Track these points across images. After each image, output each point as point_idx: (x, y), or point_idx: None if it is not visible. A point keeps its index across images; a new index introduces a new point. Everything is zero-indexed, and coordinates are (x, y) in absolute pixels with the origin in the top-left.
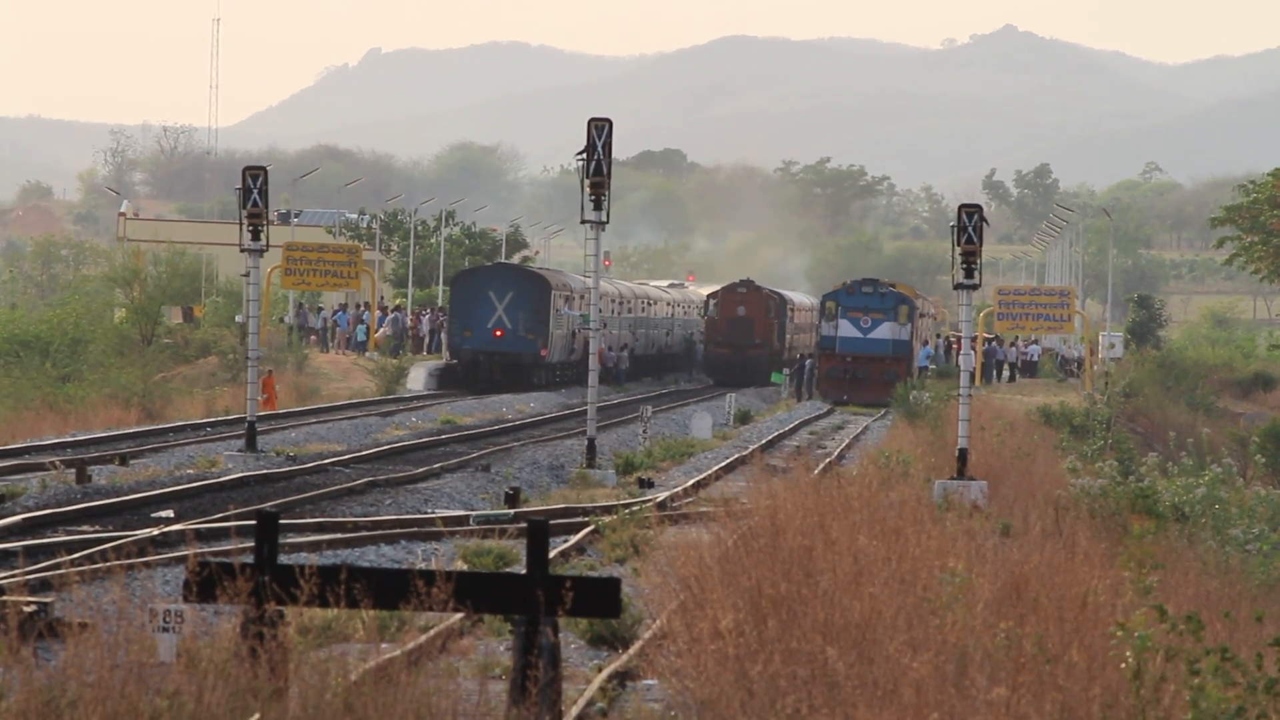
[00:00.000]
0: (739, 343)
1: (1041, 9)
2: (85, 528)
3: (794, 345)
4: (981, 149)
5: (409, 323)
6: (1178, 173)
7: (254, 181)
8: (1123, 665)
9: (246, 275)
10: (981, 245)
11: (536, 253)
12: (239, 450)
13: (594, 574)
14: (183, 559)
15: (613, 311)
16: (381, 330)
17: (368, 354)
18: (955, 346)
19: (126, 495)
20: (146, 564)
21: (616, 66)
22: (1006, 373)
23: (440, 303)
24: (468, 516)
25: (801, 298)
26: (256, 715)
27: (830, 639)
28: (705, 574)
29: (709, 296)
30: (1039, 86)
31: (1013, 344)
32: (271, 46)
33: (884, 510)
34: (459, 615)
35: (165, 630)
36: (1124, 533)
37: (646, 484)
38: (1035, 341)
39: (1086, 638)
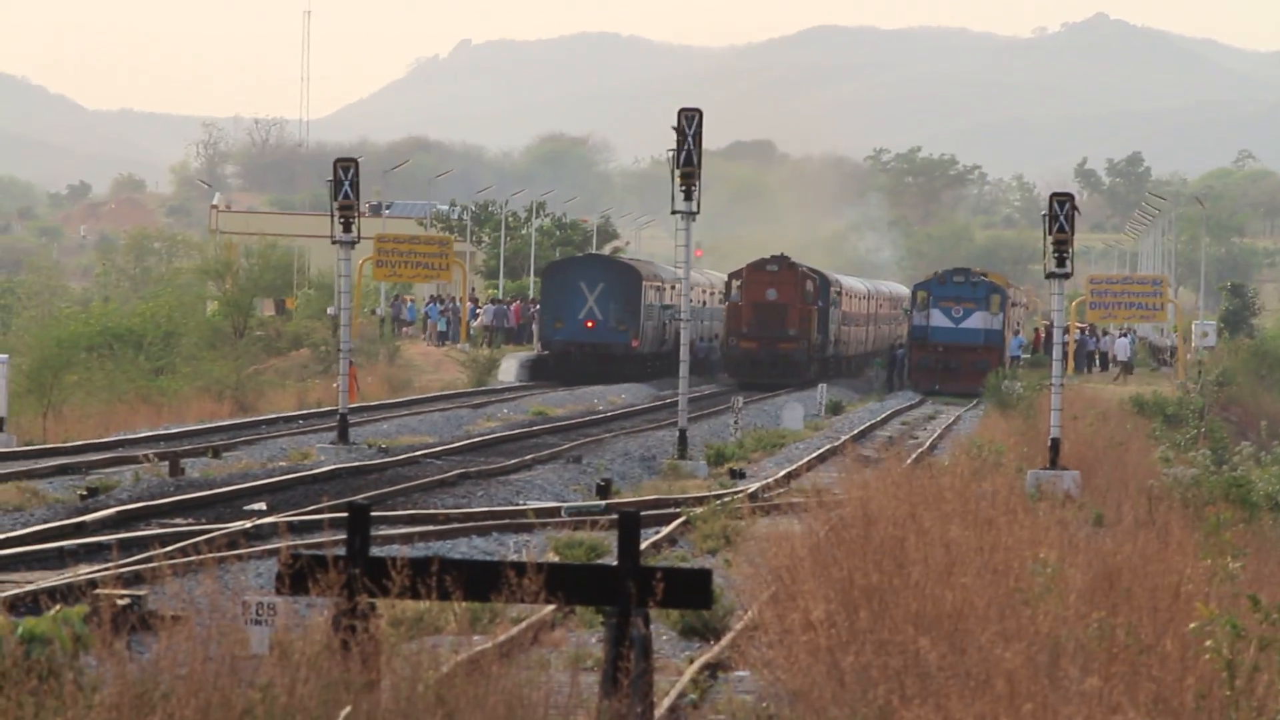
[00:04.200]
0: (769, 335)
1: None
2: (178, 520)
3: (842, 340)
4: (1073, 137)
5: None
6: (1271, 161)
7: (345, 174)
8: (1212, 655)
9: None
10: (1073, 234)
11: (627, 244)
12: (331, 442)
13: (685, 565)
14: (275, 552)
15: (703, 302)
16: (479, 320)
17: (459, 346)
18: (1042, 335)
19: (219, 488)
20: (238, 557)
21: (706, 57)
22: (1098, 364)
23: (531, 294)
24: (559, 508)
25: (855, 282)
26: (348, 708)
27: (922, 630)
28: (797, 565)
29: (731, 277)
30: (1131, 75)
31: (1105, 333)
32: (362, 39)
33: (976, 500)
34: (550, 607)
35: (258, 623)
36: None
37: (738, 475)
38: (1125, 333)
39: (1180, 628)
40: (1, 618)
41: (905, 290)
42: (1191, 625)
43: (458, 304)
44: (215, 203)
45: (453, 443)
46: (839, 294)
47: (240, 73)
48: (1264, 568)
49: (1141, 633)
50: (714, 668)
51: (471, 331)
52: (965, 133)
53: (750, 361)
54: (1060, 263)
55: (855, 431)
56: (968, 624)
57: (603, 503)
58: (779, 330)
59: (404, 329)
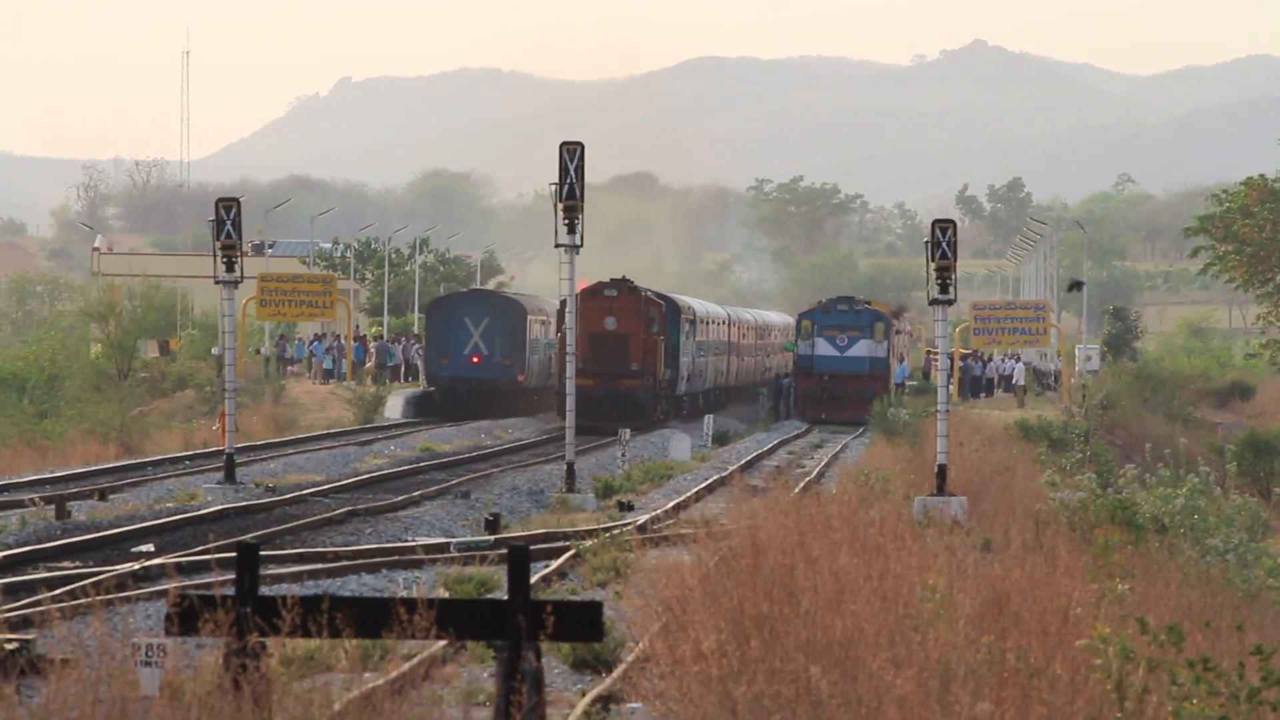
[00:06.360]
0: (607, 370)
1: (1010, 23)
2: (65, 564)
3: (697, 373)
4: (954, 164)
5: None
6: (1150, 184)
7: (227, 213)
8: (1101, 676)
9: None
10: (956, 260)
11: (512, 278)
12: (218, 483)
13: (575, 598)
14: (163, 593)
15: None
16: (372, 360)
17: (345, 384)
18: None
19: (106, 530)
20: (127, 599)
21: (588, 91)
22: (984, 390)
23: (416, 330)
24: (448, 544)
25: (713, 307)
26: None
27: (813, 658)
28: (687, 596)
29: (562, 304)
30: (1010, 101)
31: (990, 359)
32: (241, 78)
33: (864, 528)
34: (442, 643)
35: (147, 664)
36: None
37: (626, 507)
38: (1015, 358)
39: (1069, 651)
40: None
41: (779, 317)
42: (1080, 642)
43: (343, 341)
44: (97, 245)
45: (340, 480)
46: (692, 322)
47: (120, 115)
48: (1151, 590)
49: (1031, 656)
50: (606, 700)
51: (358, 372)
52: (846, 161)
53: (586, 401)
54: (944, 289)
55: (743, 462)
56: (858, 651)
57: (491, 537)
58: (619, 365)
59: (289, 368)
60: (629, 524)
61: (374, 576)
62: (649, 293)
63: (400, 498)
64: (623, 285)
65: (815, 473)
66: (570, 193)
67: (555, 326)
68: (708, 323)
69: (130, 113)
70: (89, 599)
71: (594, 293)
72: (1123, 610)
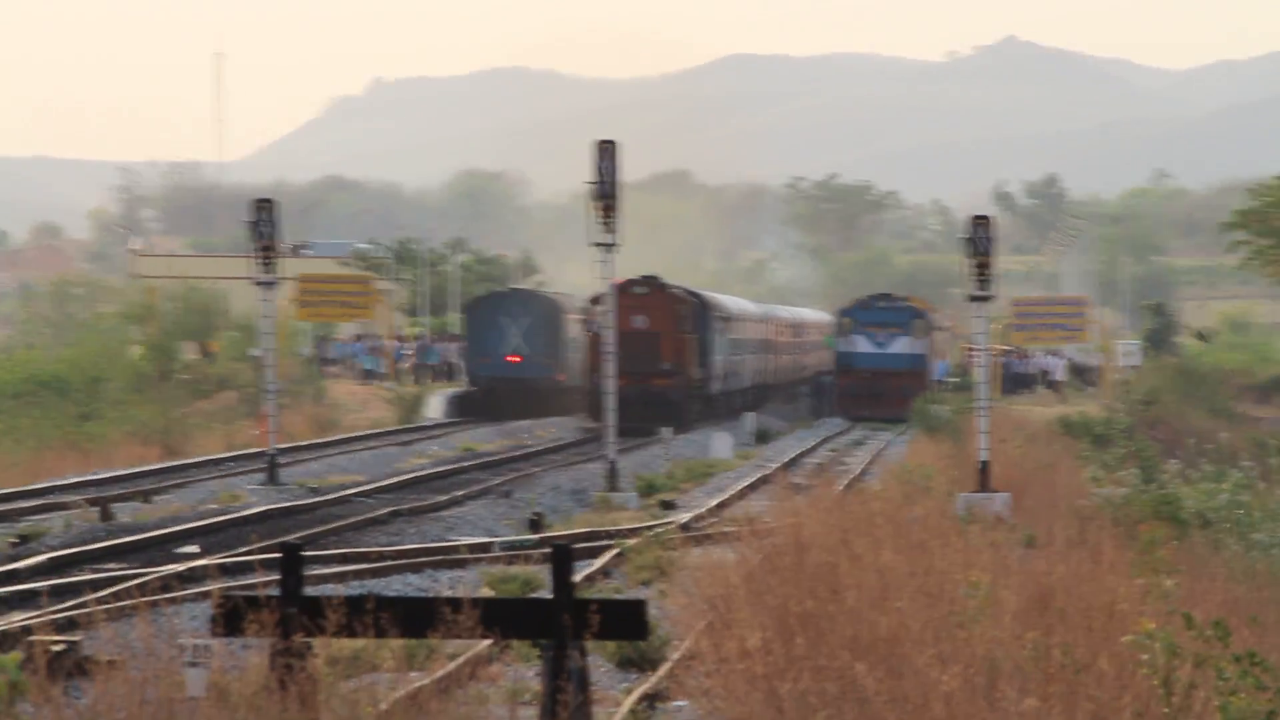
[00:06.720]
0: (638, 370)
1: (1043, 19)
2: (110, 565)
3: (731, 371)
4: (988, 160)
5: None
6: (1187, 178)
7: (262, 214)
8: (1148, 672)
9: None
10: (993, 257)
11: (549, 278)
12: (261, 483)
13: (620, 597)
14: (208, 594)
15: None
16: (411, 360)
17: (385, 384)
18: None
19: (151, 532)
20: (172, 600)
21: (620, 89)
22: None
23: (454, 330)
24: (492, 543)
25: (746, 305)
26: None
27: (858, 655)
28: (731, 593)
29: (591, 302)
30: (1044, 96)
31: (1030, 355)
32: (276, 79)
33: (908, 525)
34: (487, 642)
35: (193, 665)
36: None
37: (669, 505)
38: (1055, 353)
39: (1115, 647)
40: None
41: (815, 315)
42: (1125, 637)
43: (382, 341)
44: (134, 247)
45: (383, 480)
46: (724, 320)
47: (155, 117)
48: (1196, 585)
49: (1077, 653)
50: (652, 698)
51: (399, 371)
52: (880, 158)
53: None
54: (981, 286)
55: (785, 460)
56: (903, 648)
57: (535, 536)
58: (650, 364)
59: (329, 368)
60: (672, 522)
61: (418, 576)
62: (679, 290)
63: (443, 497)
64: (652, 283)
65: (858, 470)
66: (605, 191)
67: (585, 326)
68: (741, 320)
69: (166, 115)
70: (134, 600)
71: (623, 290)
72: (1168, 606)
